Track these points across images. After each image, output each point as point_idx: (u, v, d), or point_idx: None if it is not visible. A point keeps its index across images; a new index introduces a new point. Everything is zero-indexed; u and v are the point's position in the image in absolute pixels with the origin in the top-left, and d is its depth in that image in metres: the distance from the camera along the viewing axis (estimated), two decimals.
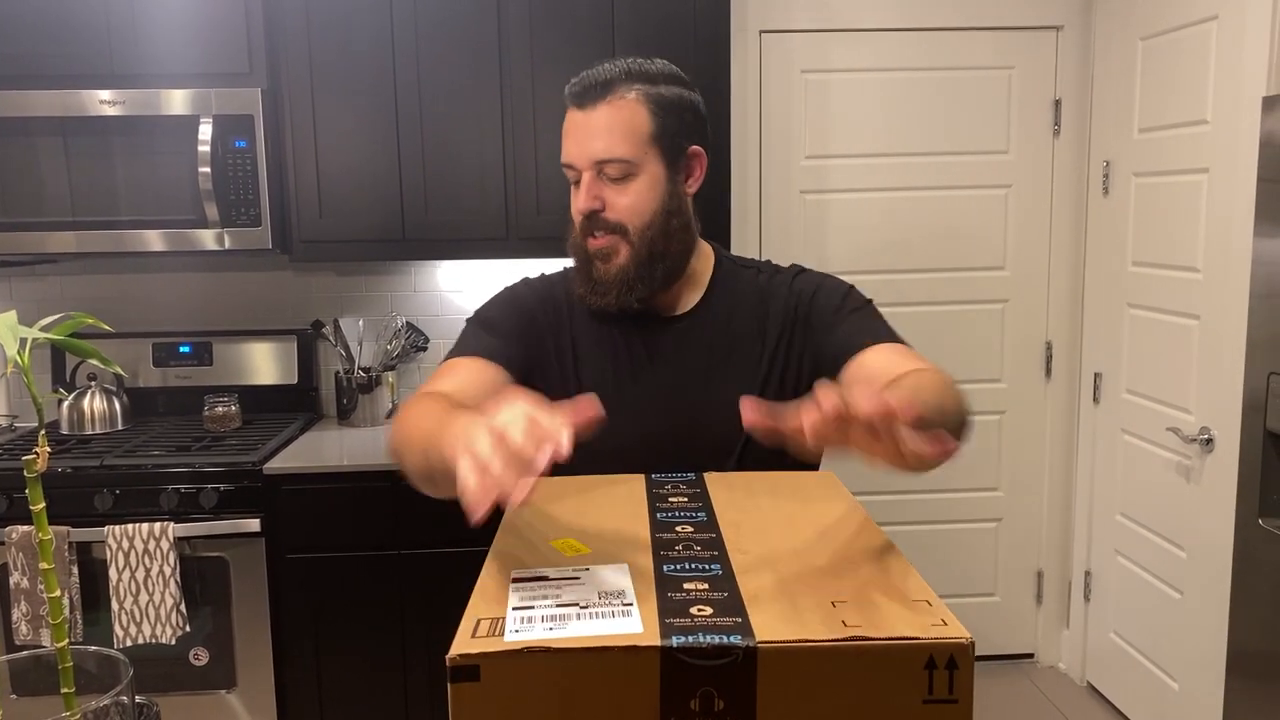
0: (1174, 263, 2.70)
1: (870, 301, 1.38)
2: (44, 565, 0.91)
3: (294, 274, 3.13)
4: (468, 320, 1.41)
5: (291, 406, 3.07)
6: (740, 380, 1.34)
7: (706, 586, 0.82)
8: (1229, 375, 2.42)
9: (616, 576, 0.85)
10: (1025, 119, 3.16)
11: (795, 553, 0.90)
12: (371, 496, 2.59)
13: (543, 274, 1.48)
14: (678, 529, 0.97)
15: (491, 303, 1.43)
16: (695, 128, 1.37)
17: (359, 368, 3.03)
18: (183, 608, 2.47)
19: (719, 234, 2.83)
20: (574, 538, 0.96)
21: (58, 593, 0.92)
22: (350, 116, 2.74)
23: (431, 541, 2.61)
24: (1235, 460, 2.40)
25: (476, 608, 0.81)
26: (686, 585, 0.83)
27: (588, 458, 0.90)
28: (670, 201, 1.33)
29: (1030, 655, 3.46)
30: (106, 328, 1.01)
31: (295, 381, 3.06)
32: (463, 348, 1.35)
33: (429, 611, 2.63)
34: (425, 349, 3.14)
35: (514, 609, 0.79)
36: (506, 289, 1.46)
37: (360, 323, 3.09)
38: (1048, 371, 3.29)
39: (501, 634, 0.75)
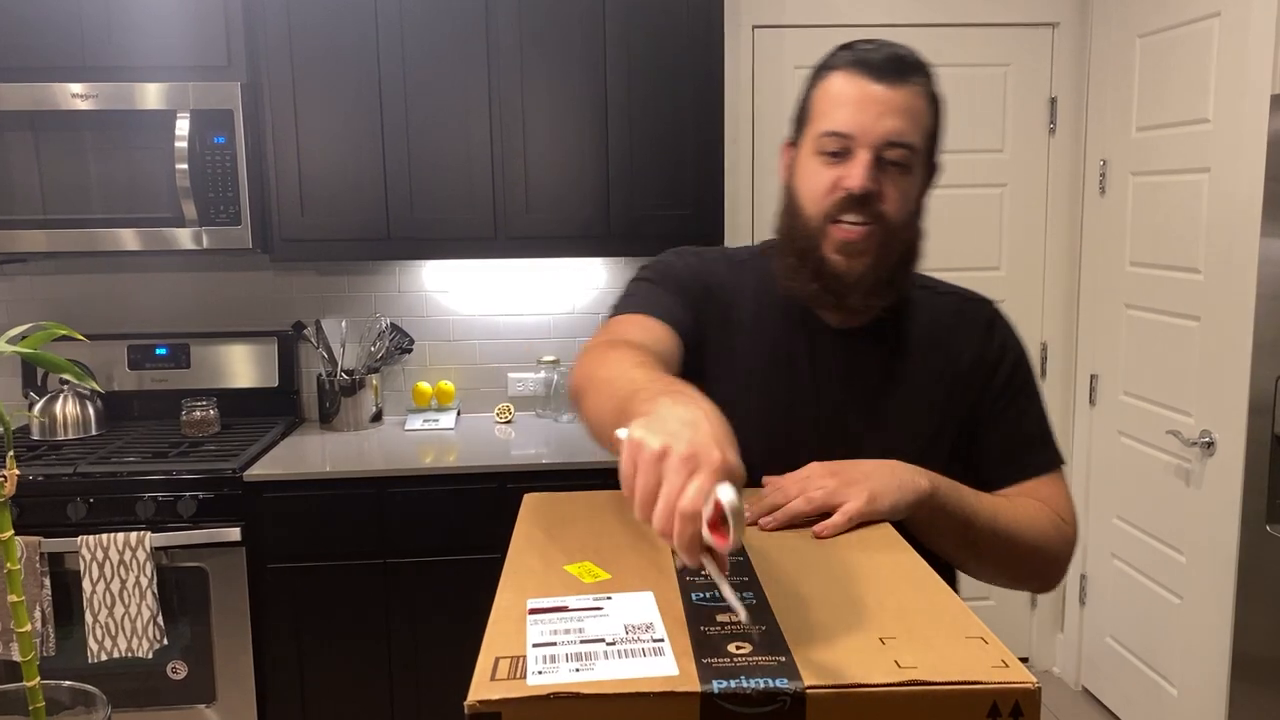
0: (1173, 263, 2.66)
1: (1034, 376, 1.27)
2: (10, 566, 0.82)
3: (274, 274, 3.04)
4: (641, 276, 1.26)
5: (272, 410, 2.98)
6: (906, 416, 1.20)
7: (740, 605, 0.76)
8: (1232, 377, 2.38)
9: (642, 607, 0.79)
10: (1021, 117, 3.12)
11: (833, 580, 0.84)
12: (355, 504, 2.51)
13: (701, 249, 1.31)
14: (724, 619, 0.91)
15: (663, 263, 1.27)
16: (941, 138, 1.20)
17: (342, 370, 2.95)
18: (160, 620, 2.39)
19: (713, 232, 2.77)
20: (591, 561, 0.89)
21: (20, 598, 0.83)
22: (333, 111, 2.66)
23: (418, 550, 2.53)
24: (1239, 464, 2.36)
25: (494, 644, 0.74)
26: (719, 618, 0.77)
27: None
28: (921, 207, 1.19)
29: (1025, 659, 3.42)
30: (80, 337, 0.93)
31: (276, 385, 2.97)
32: (643, 304, 1.20)
33: (415, 622, 2.55)
34: (410, 351, 3.06)
35: (535, 646, 0.73)
36: (673, 254, 1.28)
37: (343, 324, 3.01)
38: (1043, 373, 3.25)
39: (523, 676, 0.68)
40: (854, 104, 1.10)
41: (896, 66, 1.11)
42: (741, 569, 0.86)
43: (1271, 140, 2.08)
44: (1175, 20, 2.63)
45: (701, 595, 0.81)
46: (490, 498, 2.54)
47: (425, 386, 3.07)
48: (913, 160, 1.12)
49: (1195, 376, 2.57)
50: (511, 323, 3.11)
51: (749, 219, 3.10)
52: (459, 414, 3.09)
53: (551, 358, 3.06)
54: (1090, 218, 3.07)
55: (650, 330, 1.15)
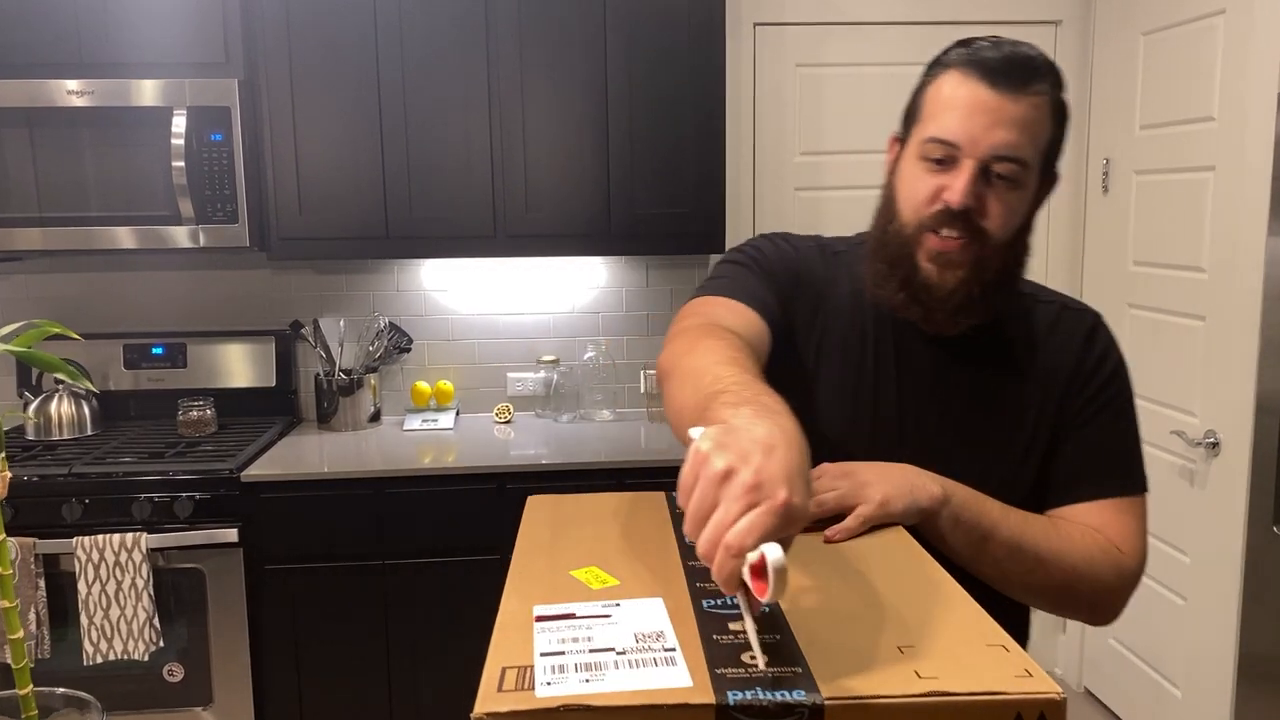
0: (1178, 262, 2.65)
1: (1131, 396, 1.17)
2: (0, 571, 0.80)
3: (272, 272, 3.01)
4: (730, 259, 1.20)
5: (269, 410, 2.96)
6: (1000, 432, 1.15)
7: (756, 628, 0.74)
8: (1238, 377, 2.37)
9: (652, 614, 0.77)
10: None
11: (848, 588, 0.82)
12: (354, 504, 2.49)
13: (797, 235, 1.25)
14: (735, 630, 0.88)
15: (755, 246, 1.21)
16: (1064, 146, 1.12)
17: (340, 370, 2.92)
18: (156, 622, 2.36)
19: (714, 231, 2.75)
20: (598, 566, 0.87)
21: (13, 603, 0.81)
22: (332, 109, 2.63)
23: (417, 551, 2.51)
24: (1244, 465, 2.34)
25: (500, 653, 0.72)
26: (732, 625, 0.74)
27: None
28: (1029, 221, 1.11)
29: None
30: (75, 336, 0.91)
31: (273, 384, 2.95)
32: (733, 288, 1.13)
33: (414, 623, 2.53)
34: (409, 350, 3.04)
35: (542, 655, 0.70)
36: (765, 238, 1.22)
37: (341, 323, 2.98)
38: None
39: (531, 687, 0.66)
40: (964, 110, 1.04)
41: (1016, 71, 1.03)
42: None
43: (1279, 138, 2.06)
44: (1179, 18, 2.62)
45: (713, 602, 0.79)
46: (489, 498, 2.52)
47: (424, 386, 3.05)
48: (1023, 175, 1.05)
49: (1200, 376, 2.55)
50: (511, 322, 3.09)
51: (749, 221, 3.08)
52: (458, 414, 3.07)
53: (551, 357, 3.04)
54: (1093, 216, 3.05)
55: (742, 317, 1.10)
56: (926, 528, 1.03)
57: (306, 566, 2.50)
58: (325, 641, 2.52)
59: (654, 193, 2.72)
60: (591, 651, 0.71)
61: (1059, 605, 1.13)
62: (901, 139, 1.14)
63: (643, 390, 3.09)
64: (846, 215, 3.29)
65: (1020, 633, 1.18)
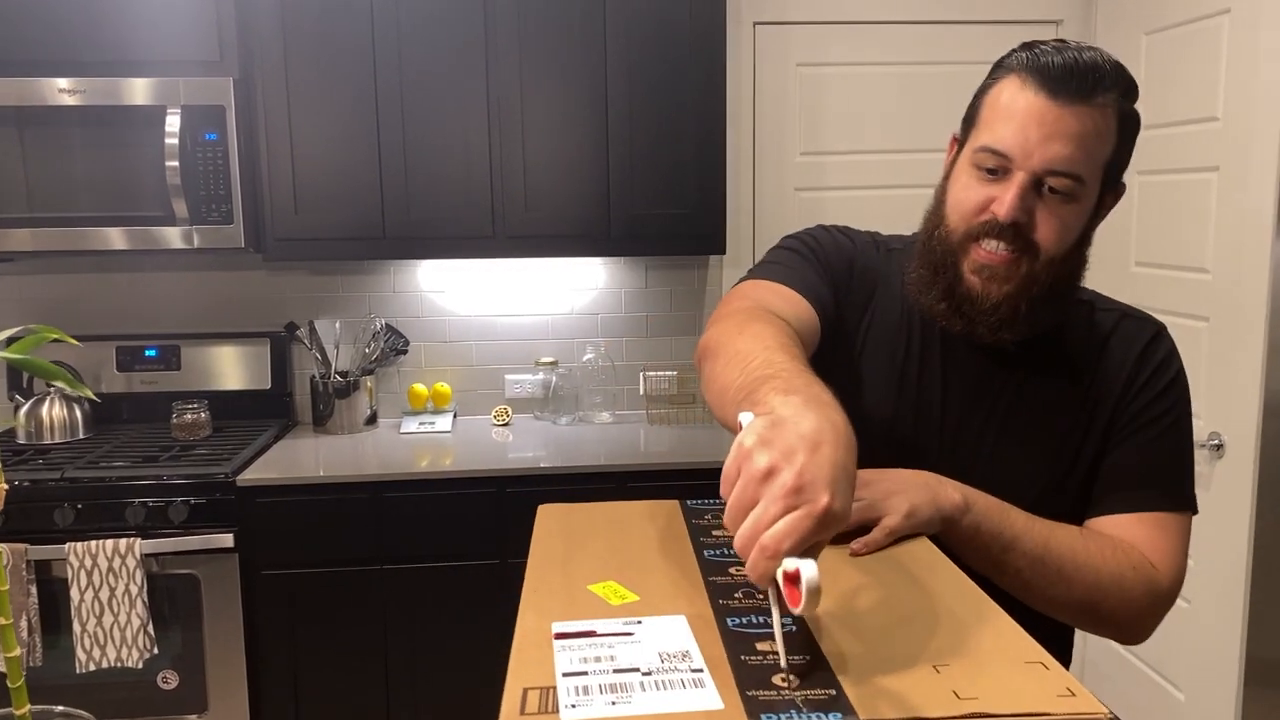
0: (1181, 263, 2.63)
1: (1187, 412, 1.15)
2: None
3: (267, 273, 2.97)
4: (785, 245, 1.20)
5: (264, 413, 2.92)
6: (1043, 438, 1.12)
7: (784, 648, 0.71)
8: (1244, 379, 2.35)
9: (676, 632, 0.74)
10: None
11: (878, 604, 0.80)
12: (351, 509, 2.46)
13: (854, 229, 1.24)
14: (733, 572, 0.86)
15: (811, 235, 1.20)
16: (1130, 156, 1.07)
17: (335, 372, 2.89)
18: (150, 629, 2.33)
19: (714, 233, 2.73)
20: (616, 580, 0.84)
21: (8, 620, 0.78)
22: (328, 108, 2.60)
23: (415, 556, 2.48)
24: (1249, 466, 2.33)
25: (520, 672, 0.69)
26: (760, 645, 0.72)
27: None
28: (1085, 236, 1.07)
29: None
30: (74, 342, 0.88)
31: (268, 387, 2.91)
32: (786, 274, 1.13)
33: (413, 630, 2.50)
34: (405, 352, 3.00)
35: (565, 675, 0.68)
36: (821, 228, 1.22)
37: (337, 325, 2.95)
38: None
39: (555, 710, 0.63)
40: (1019, 121, 1.00)
41: (1078, 79, 0.98)
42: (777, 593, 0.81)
43: None
44: (1183, 17, 2.60)
45: (738, 620, 0.76)
46: (489, 502, 2.49)
47: (421, 388, 3.01)
48: (1078, 190, 1.01)
49: (1204, 378, 2.54)
50: (509, 323, 3.06)
51: (750, 222, 3.05)
52: (455, 416, 3.04)
53: (550, 359, 3.01)
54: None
55: (793, 304, 1.08)
56: (948, 536, 1.00)
57: (303, 572, 2.46)
58: (322, 648, 2.49)
59: (654, 193, 2.70)
60: (616, 672, 0.68)
61: (1084, 620, 1.09)
62: (960, 140, 1.11)
63: (642, 392, 3.06)
64: (847, 216, 3.27)
65: (1063, 653, 1.15)
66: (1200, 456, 2.54)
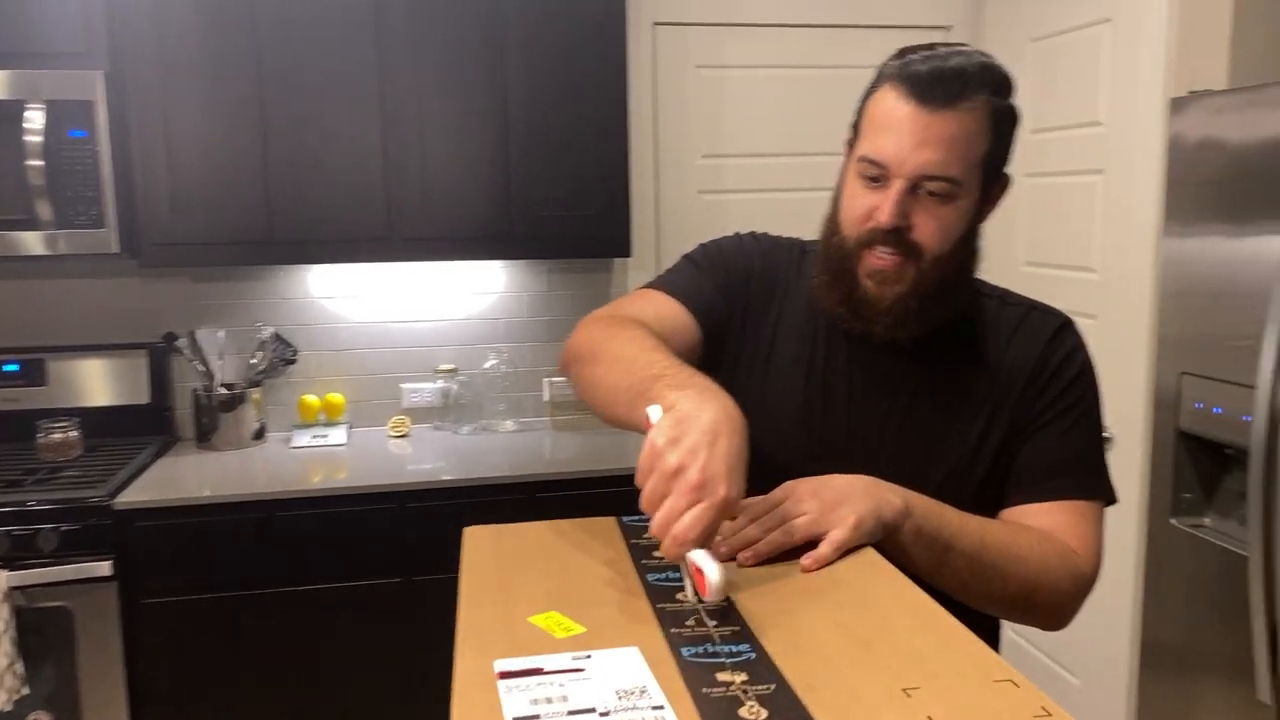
0: (1068, 263, 2.72)
1: (1097, 403, 1.16)
2: None
3: (143, 281, 2.78)
4: (690, 253, 1.25)
5: (142, 430, 2.73)
6: (946, 428, 1.14)
7: (746, 678, 0.67)
8: (1131, 374, 2.44)
9: (629, 666, 0.69)
10: None
11: (835, 625, 0.76)
12: (239, 530, 2.32)
13: (770, 234, 1.27)
14: (679, 598, 0.81)
15: (718, 244, 1.25)
16: (1011, 149, 1.12)
17: (220, 384, 2.73)
18: (19, 667, 2.15)
19: (619, 234, 2.69)
20: (558, 610, 0.79)
21: None
22: (208, 103, 2.45)
23: (310, 578, 2.36)
24: (1138, 459, 2.42)
25: (465, 717, 0.63)
26: (720, 676, 0.68)
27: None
28: (972, 231, 1.11)
29: None
30: None
31: (146, 401, 2.73)
32: (672, 283, 1.20)
33: (312, 656, 2.38)
34: (295, 361, 2.86)
35: None
36: (736, 236, 1.26)
37: (220, 334, 2.79)
38: None
39: None
40: (892, 130, 1.04)
41: (944, 85, 1.02)
42: (731, 618, 0.77)
43: (1171, 143, 2.13)
44: (1066, 25, 2.69)
45: (693, 650, 0.72)
46: (388, 518, 2.39)
47: (313, 400, 2.88)
48: (956, 190, 1.05)
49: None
50: (405, 330, 2.95)
51: (653, 224, 3.02)
52: (350, 428, 2.91)
53: (449, 366, 2.91)
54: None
55: (666, 310, 1.15)
56: (890, 541, 0.99)
57: (189, 599, 2.31)
58: (211, 680, 2.34)
59: (557, 194, 2.64)
60: (571, 714, 0.63)
61: (1016, 613, 1.10)
62: (850, 147, 1.13)
63: (546, 399, 2.99)
64: (749, 218, 3.26)
65: (993, 646, 1.15)
66: None
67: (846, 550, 0.91)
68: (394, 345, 2.95)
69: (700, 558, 0.79)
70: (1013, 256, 2.97)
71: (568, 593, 0.82)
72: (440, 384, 2.93)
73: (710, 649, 0.72)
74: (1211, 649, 2.05)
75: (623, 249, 2.70)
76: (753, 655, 0.70)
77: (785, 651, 0.71)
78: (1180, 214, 2.12)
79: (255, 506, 2.33)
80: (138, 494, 2.30)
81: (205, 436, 2.72)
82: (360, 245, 2.58)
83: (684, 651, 0.71)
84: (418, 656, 2.40)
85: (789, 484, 0.98)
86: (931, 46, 1.06)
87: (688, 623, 0.76)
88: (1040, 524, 1.10)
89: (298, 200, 2.52)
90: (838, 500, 0.95)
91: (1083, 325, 2.76)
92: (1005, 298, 1.20)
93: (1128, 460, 2.47)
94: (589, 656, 0.71)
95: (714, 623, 0.76)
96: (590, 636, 0.74)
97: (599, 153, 2.64)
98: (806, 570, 0.88)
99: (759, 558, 0.90)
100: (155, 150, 2.43)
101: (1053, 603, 1.09)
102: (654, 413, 0.86)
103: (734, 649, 0.71)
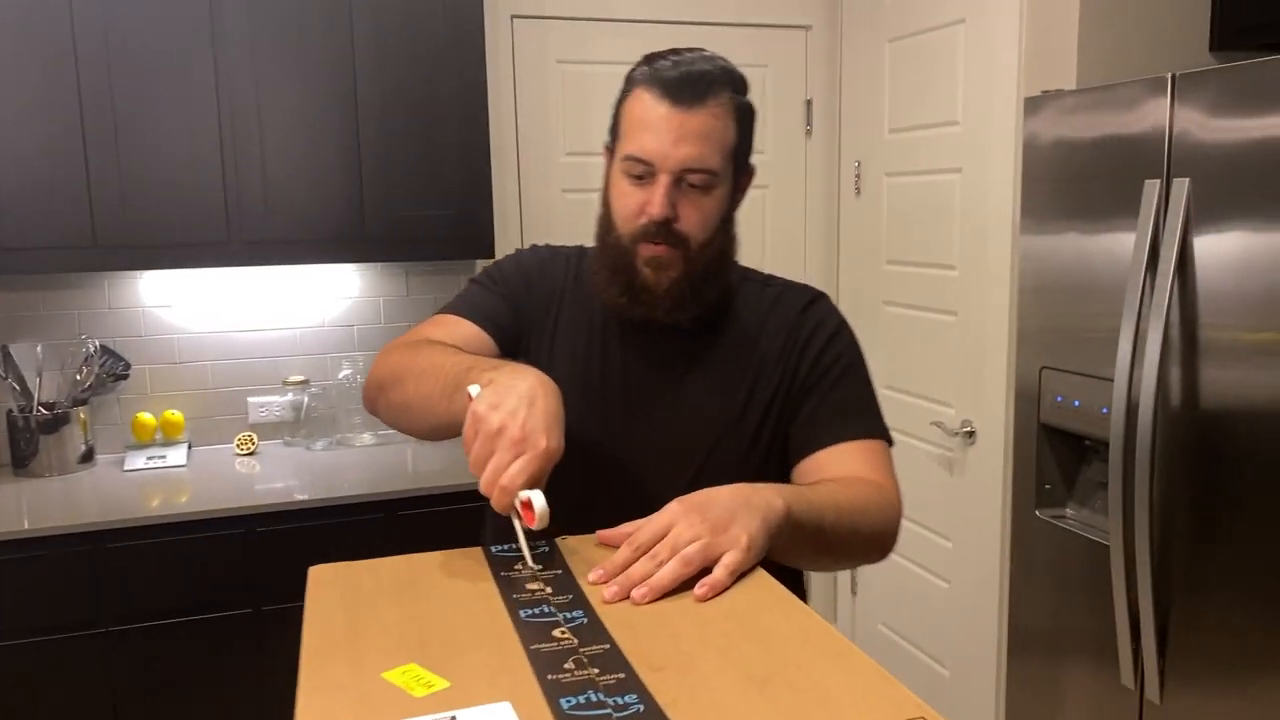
0: (929, 260, 2.76)
1: (859, 359, 1.29)
2: None
3: None
4: (475, 276, 1.35)
5: None
6: (709, 396, 1.24)
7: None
8: (991, 369, 2.49)
9: None
10: (779, 119, 3.14)
11: (727, 663, 0.69)
12: (66, 564, 2.11)
13: (551, 245, 1.38)
14: (555, 635, 0.73)
15: (500, 263, 1.34)
16: (752, 141, 1.23)
17: (39, 404, 2.47)
18: None
19: (481, 234, 2.58)
20: (417, 663, 0.69)
21: None
22: (18, 94, 2.21)
23: (148, 613, 2.17)
24: (1000, 451, 2.47)
25: None
26: None
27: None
28: (729, 218, 1.22)
29: None
30: None
31: None
32: (460, 305, 1.28)
33: (153, 699, 2.17)
34: (126, 377, 2.63)
35: None
36: (517, 251, 1.36)
37: (39, 348, 2.53)
38: None
39: None
40: (652, 129, 1.13)
41: (692, 87, 1.12)
42: (616, 663, 0.69)
43: (1026, 142, 2.17)
44: (922, 26, 2.73)
45: (573, 701, 0.63)
46: (236, 545, 2.21)
47: (147, 418, 2.64)
48: (714, 181, 1.15)
49: (955, 369, 2.67)
50: (251, 340, 2.75)
51: (517, 224, 2.92)
52: (190, 448, 2.69)
53: (300, 377, 2.73)
54: (847, 218, 3.15)
55: (460, 331, 1.22)
56: (774, 542, 0.95)
57: (9, 645, 2.08)
58: None
59: (413, 194, 2.50)
60: None
61: (856, 561, 1.20)
62: (610, 149, 1.21)
63: None
64: None
65: (798, 593, 1.19)
66: (953, 443, 2.68)
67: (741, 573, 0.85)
68: (238, 356, 2.74)
69: (524, 492, 0.86)
70: (875, 255, 3.01)
71: (428, 641, 0.72)
72: (290, 396, 2.74)
73: (594, 698, 0.63)
74: (1076, 636, 2.10)
75: (485, 250, 2.59)
76: (640, 708, 0.62)
77: (673, 694, 0.63)
78: (1036, 211, 2.16)
79: (83, 538, 2.12)
80: None
81: (23, 462, 2.46)
82: (196, 249, 2.38)
83: (563, 703, 0.63)
84: (270, 693, 2.22)
85: (670, 507, 0.94)
86: (677, 52, 1.16)
87: (566, 666, 0.67)
88: (839, 468, 1.18)
89: (124, 202, 2.30)
90: (726, 519, 0.90)
91: (944, 322, 2.78)
92: (768, 281, 1.33)
93: (991, 453, 2.52)
94: (453, 718, 0.61)
95: (596, 670, 0.67)
96: (455, 692, 0.64)
97: (459, 151, 2.52)
98: (701, 599, 0.81)
99: (656, 593, 0.83)
100: None
101: (886, 542, 1.18)
102: (474, 390, 0.94)
103: (619, 700, 0.63)
